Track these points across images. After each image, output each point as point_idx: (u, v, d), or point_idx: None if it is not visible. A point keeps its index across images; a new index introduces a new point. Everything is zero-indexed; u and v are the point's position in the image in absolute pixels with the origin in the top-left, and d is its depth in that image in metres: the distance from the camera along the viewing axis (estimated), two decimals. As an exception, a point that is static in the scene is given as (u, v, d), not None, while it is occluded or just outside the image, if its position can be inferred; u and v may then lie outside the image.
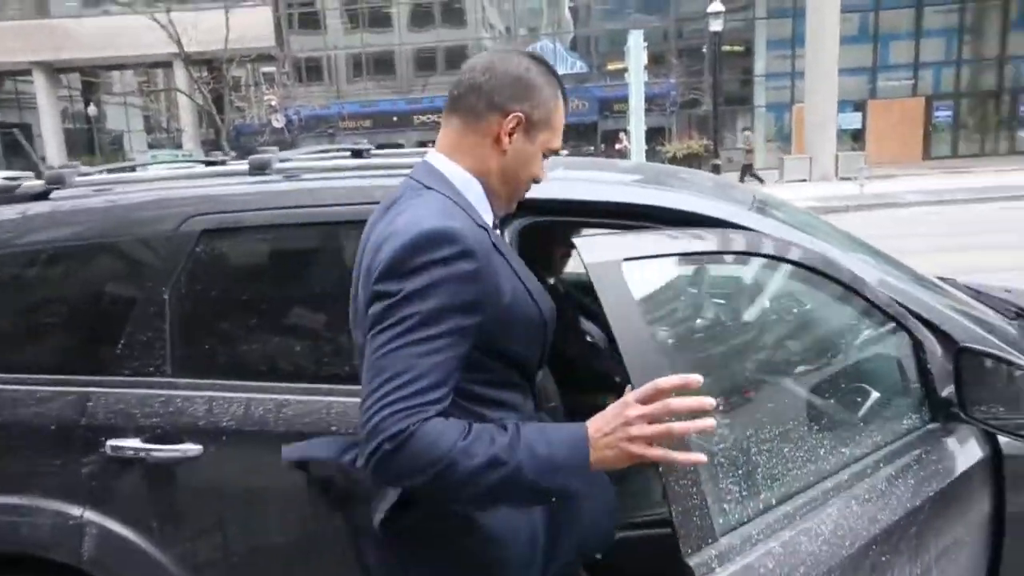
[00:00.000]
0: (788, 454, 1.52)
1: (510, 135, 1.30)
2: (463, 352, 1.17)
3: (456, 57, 27.39)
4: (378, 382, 1.11)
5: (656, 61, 22.44)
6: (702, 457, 1.20)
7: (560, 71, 1.41)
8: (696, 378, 1.09)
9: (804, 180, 21.61)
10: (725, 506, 1.39)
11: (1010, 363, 1.57)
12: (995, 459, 1.67)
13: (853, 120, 25.48)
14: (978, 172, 20.60)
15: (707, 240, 1.63)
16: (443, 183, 1.30)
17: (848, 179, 18.99)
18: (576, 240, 1.36)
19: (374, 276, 1.18)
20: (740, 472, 1.47)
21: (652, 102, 22.78)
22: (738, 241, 1.68)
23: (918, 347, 1.70)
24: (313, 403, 1.76)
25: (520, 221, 1.77)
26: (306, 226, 1.86)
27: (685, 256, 1.60)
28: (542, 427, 1.19)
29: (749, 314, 1.87)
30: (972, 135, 27.47)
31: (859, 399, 1.78)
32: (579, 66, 28.95)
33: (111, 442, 1.77)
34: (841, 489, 1.49)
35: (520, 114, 1.30)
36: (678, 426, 1.09)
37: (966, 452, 1.67)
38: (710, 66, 27.28)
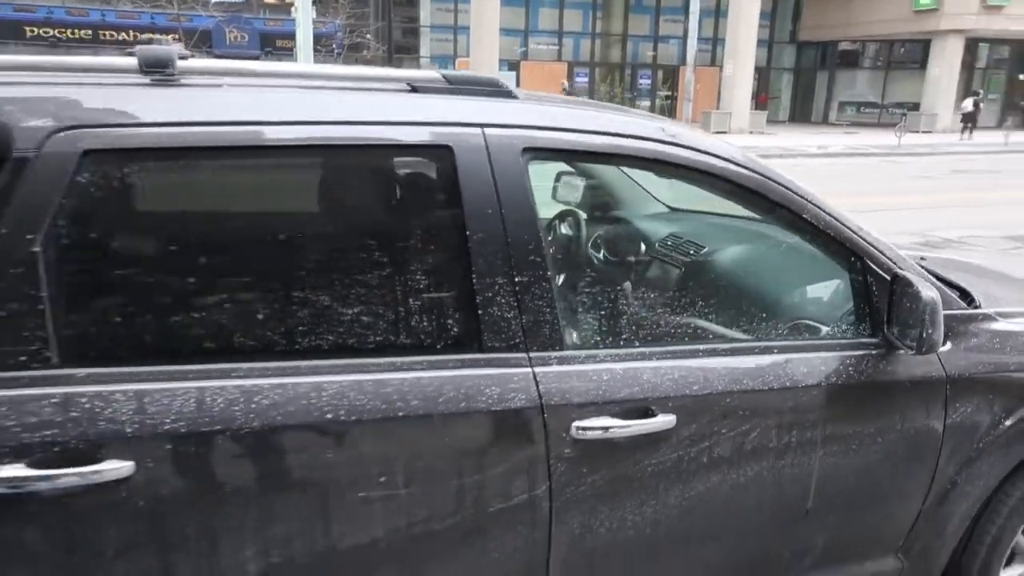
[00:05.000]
0: (679, 311, 1.97)
1: None
2: None
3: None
4: None
5: (320, 0, 21.34)
6: None
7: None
8: None
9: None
10: (576, 332, 1.74)
11: (923, 302, 1.67)
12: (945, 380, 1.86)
13: (509, 79, 27.13)
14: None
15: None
16: None
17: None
18: None
19: None
20: (604, 310, 1.88)
21: (318, 42, 21.65)
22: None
23: (863, 267, 1.83)
24: (295, 386, 1.34)
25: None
26: (249, 150, 1.39)
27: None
28: None
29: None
30: (604, 101, 31.28)
31: (779, 307, 2.06)
32: (232, -7, 26.32)
33: None
34: (717, 353, 1.69)
35: None
36: None
37: (899, 366, 1.80)
38: (376, 11, 26.84)
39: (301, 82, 1.53)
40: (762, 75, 32.74)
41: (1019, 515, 2.02)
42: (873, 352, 1.79)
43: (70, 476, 1.19)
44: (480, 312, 1.46)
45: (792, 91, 34.79)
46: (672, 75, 30.79)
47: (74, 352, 1.26)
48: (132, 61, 1.39)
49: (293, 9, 17.43)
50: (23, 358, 1.22)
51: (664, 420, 1.55)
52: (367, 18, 26.28)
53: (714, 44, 30.57)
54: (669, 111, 30.39)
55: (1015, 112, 27.96)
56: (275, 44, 24.72)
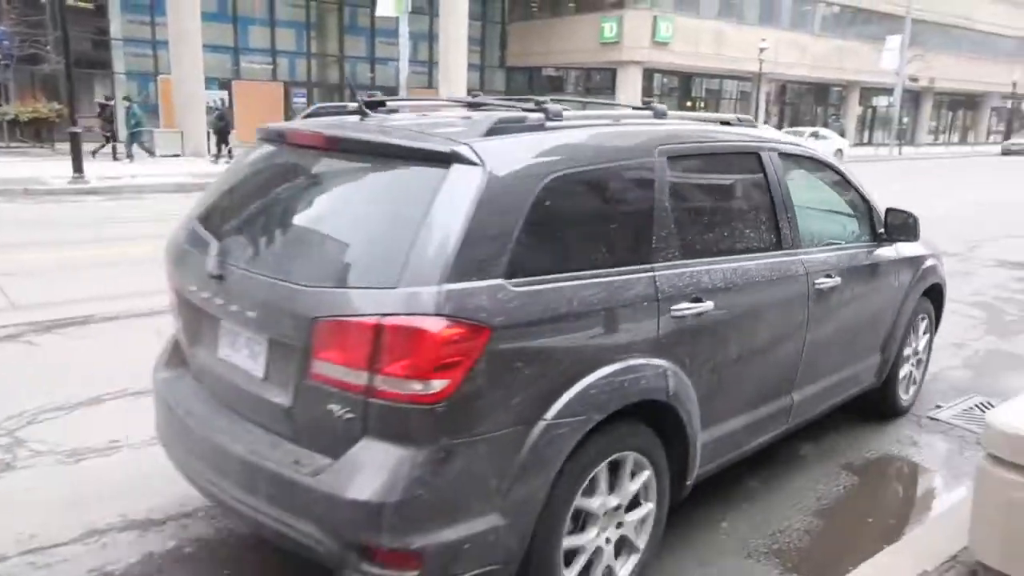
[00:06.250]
0: (811, 224, 3.49)
1: None
2: None
3: None
4: None
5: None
6: None
7: None
8: None
9: (177, 155, 20.93)
10: (804, 238, 3.29)
11: (909, 215, 3.83)
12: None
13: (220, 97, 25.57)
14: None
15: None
16: None
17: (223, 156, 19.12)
18: None
19: None
20: (813, 231, 3.45)
21: (-21, 51, 18.71)
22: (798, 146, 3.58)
23: (871, 207, 3.88)
24: (746, 267, 2.90)
25: None
26: (719, 153, 3.10)
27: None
28: None
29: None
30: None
31: (849, 227, 3.83)
32: None
33: (677, 308, 2.54)
34: (844, 248, 3.59)
35: None
36: None
37: (885, 253, 3.87)
38: (54, 19, 23.78)
39: (694, 121, 3.25)
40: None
41: (905, 331, 4.17)
42: (875, 247, 3.81)
43: (697, 307, 2.60)
44: (780, 229, 3.14)
45: (506, 113, 37.19)
46: (393, 96, 31.27)
47: (684, 253, 2.63)
48: (649, 112, 3.03)
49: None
50: (671, 256, 2.56)
51: (836, 280, 3.37)
52: (43, 27, 23.18)
53: (430, 67, 31.68)
54: (391, 132, 30.87)
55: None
56: (-84, 51, 20.84)
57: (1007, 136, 45.93)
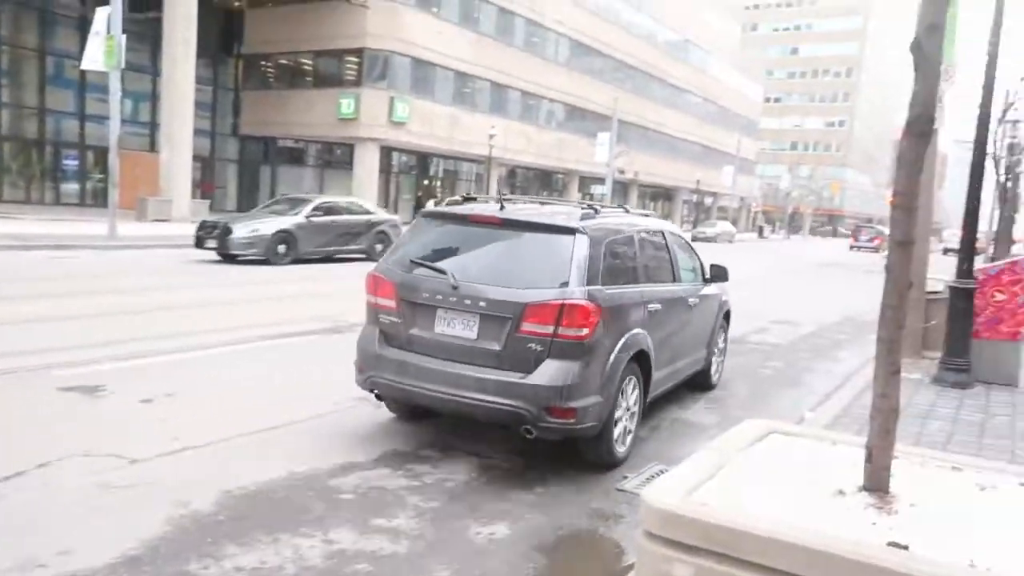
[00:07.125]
0: (680, 271, 6.41)
1: None
2: None
3: None
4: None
5: None
6: None
7: None
8: None
9: None
10: (681, 276, 6.35)
11: (722, 267, 7.05)
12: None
13: None
14: (24, 219, 20.27)
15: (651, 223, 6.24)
16: None
17: None
18: None
19: None
20: (677, 271, 6.38)
21: None
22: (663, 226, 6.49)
23: (701, 261, 6.96)
24: (667, 289, 5.81)
25: None
26: (651, 232, 5.87)
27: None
28: None
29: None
30: (17, 181, 26.93)
31: (692, 273, 6.69)
32: None
33: (650, 305, 5.25)
34: (695, 284, 6.64)
35: None
36: None
37: (710, 289, 6.95)
38: None
39: (631, 216, 5.88)
40: (207, 164, 32.62)
41: (716, 335, 7.33)
42: (703, 285, 6.74)
43: (655, 306, 5.38)
44: (675, 272, 6.13)
45: (238, 182, 35.48)
46: (106, 157, 28.34)
47: (647, 279, 5.49)
48: (622, 209, 5.93)
49: None
50: (644, 281, 5.41)
51: (696, 300, 6.45)
52: None
53: (152, 128, 29.35)
54: (103, 195, 27.83)
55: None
56: None
57: (695, 225, 53.76)
